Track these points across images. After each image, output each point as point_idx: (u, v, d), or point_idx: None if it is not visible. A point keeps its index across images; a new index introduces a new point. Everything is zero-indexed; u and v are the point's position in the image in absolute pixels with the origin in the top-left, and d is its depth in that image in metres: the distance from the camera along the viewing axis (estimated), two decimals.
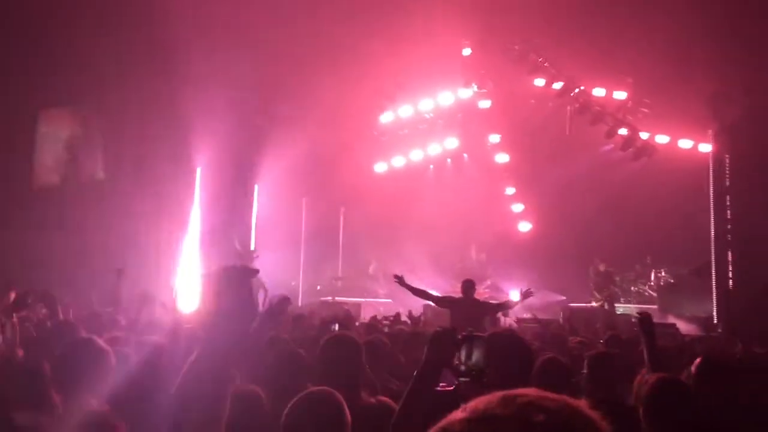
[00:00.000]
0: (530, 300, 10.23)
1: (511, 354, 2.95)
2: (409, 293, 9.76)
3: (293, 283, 18.11)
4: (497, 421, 0.92)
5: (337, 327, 5.77)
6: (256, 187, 18.13)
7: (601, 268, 15.94)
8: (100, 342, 3.41)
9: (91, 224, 14.08)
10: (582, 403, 0.96)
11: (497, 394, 0.96)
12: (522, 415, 0.91)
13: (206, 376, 1.48)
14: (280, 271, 16.71)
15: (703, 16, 12.90)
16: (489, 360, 2.39)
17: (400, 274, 9.59)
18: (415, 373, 2.37)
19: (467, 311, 8.76)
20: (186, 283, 14.95)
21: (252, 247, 17.50)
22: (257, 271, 1.58)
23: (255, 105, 15.72)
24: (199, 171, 16.50)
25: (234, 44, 14.25)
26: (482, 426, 0.92)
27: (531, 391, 0.96)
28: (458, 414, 0.96)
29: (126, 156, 15.54)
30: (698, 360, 4.18)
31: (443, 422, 0.96)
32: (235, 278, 1.56)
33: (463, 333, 2.42)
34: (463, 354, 2.39)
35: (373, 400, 3.12)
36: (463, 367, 2.38)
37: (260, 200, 18.27)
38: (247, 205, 17.94)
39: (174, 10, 13.11)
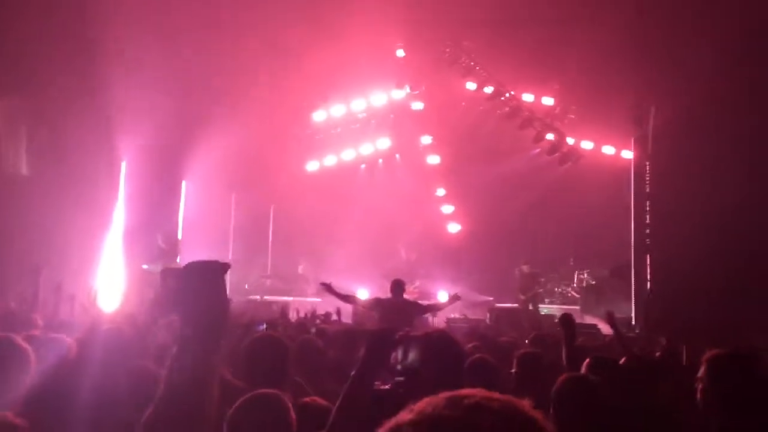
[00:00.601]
0: (459, 300, 10.43)
1: (445, 353, 2.99)
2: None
3: None
4: (445, 423, 0.92)
5: (264, 327, 5.73)
6: (183, 182, 17.71)
7: (526, 269, 16.30)
8: (19, 340, 3.27)
9: (9, 220, 13.47)
10: (525, 404, 0.98)
11: (443, 396, 0.97)
12: (469, 417, 0.92)
13: (192, 371, 1.50)
14: None
15: (625, 26, 13.36)
16: (424, 359, 2.42)
17: (327, 281, 9.58)
18: (351, 374, 2.37)
19: (396, 312, 8.79)
20: (107, 281, 14.51)
21: (179, 245, 17.09)
22: (229, 266, 1.63)
23: (184, 99, 15.35)
24: (124, 165, 16.01)
25: (162, 37, 13.88)
26: (430, 428, 0.92)
27: (477, 392, 0.97)
28: (406, 415, 0.96)
29: (47, 149, 14.92)
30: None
31: (391, 424, 0.96)
32: (211, 273, 1.58)
33: (400, 333, 2.44)
34: (399, 354, 2.40)
35: (308, 399, 3.11)
36: (399, 367, 2.40)
37: (188, 196, 17.85)
38: (174, 201, 17.50)
39: (99, 2, 12.70)
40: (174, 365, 1.50)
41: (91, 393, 3.32)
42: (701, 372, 2.88)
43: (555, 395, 3.43)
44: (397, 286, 9.32)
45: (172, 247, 16.30)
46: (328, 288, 9.47)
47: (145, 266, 15.03)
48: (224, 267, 1.61)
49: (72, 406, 3.23)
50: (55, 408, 3.11)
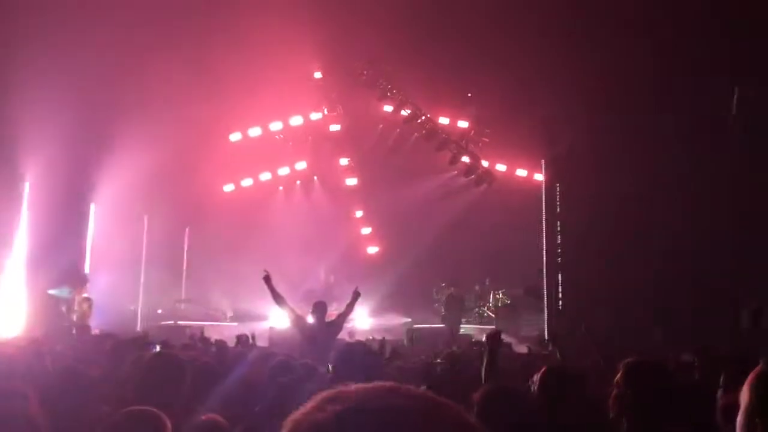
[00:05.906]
0: (379, 321, 10.29)
1: (360, 361, 3.07)
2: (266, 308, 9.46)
3: (132, 307, 17.16)
4: (365, 413, 0.90)
5: (158, 348, 5.64)
6: (92, 204, 17.01)
7: (454, 292, 16.46)
8: None
9: None
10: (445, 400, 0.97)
11: (354, 386, 0.95)
12: (388, 405, 0.90)
13: None
14: (118, 294, 15.81)
15: (534, 56, 13.84)
16: (346, 364, 2.46)
17: (268, 273, 9.20)
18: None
19: (319, 335, 8.60)
20: (9, 306, 13.80)
21: (86, 270, 16.38)
22: None
23: (93, 118, 14.82)
24: (27, 186, 15.29)
25: (71, 53, 13.39)
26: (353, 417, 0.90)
27: (391, 384, 0.96)
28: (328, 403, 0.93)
29: None
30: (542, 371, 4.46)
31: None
32: None
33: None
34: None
35: (204, 417, 3.05)
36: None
37: (97, 218, 17.14)
38: (82, 224, 16.78)
39: None
40: None
41: None
42: (618, 376, 3.05)
43: (477, 403, 3.48)
44: (319, 309, 9.04)
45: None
46: (267, 280, 9.09)
47: (50, 291, 14.35)
48: None
49: None
50: None
